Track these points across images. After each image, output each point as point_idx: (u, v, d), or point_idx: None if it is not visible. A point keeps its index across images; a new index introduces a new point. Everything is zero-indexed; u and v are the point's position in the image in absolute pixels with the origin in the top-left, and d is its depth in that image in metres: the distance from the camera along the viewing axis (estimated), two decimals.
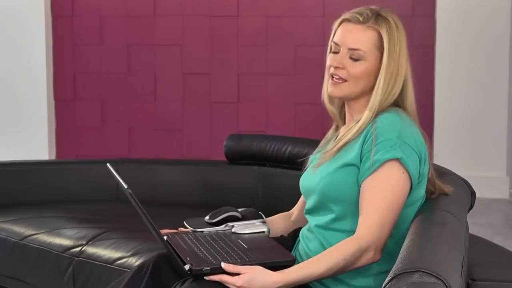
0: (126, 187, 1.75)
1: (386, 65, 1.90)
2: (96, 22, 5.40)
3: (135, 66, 5.41)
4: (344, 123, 2.05)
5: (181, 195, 3.20)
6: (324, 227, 1.93)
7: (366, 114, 1.90)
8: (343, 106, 2.05)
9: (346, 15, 1.95)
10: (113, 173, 1.92)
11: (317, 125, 5.18)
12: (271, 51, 5.29)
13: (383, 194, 1.81)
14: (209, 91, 5.37)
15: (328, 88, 1.98)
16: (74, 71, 5.46)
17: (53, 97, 5.48)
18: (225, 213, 2.12)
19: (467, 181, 2.26)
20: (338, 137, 2.00)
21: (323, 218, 1.93)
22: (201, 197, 3.18)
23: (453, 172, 2.29)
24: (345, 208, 1.88)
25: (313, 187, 1.95)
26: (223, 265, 1.79)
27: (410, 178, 1.84)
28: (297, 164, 2.92)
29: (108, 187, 3.19)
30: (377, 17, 1.92)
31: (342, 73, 1.93)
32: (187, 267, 1.78)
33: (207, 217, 2.13)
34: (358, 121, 1.93)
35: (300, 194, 2.16)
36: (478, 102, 5.10)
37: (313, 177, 1.97)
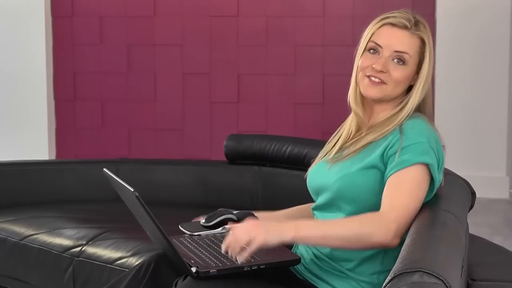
0: (132, 190, 1.74)
1: (427, 71, 1.94)
2: (96, 22, 5.40)
3: (135, 66, 5.41)
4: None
5: (181, 195, 3.20)
6: None
7: (399, 117, 1.92)
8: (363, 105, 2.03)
9: (390, 19, 1.95)
10: (113, 177, 1.91)
11: (317, 125, 5.18)
12: (271, 51, 5.29)
13: (411, 186, 1.81)
14: (209, 91, 5.37)
15: (362, 88, 1.97)
16: (74, 71, 5.46)
17: (53, 97, 5.48)
18: (220, 216, 2.11)
19: (467, 181, 2.27)
20: (358, 137, 1.99)
21: (332, 217, 1.93)
22: (201, 197, 3.18)
23: (453, 172, 2.29)
24: (356, 209, 1.88)
25: (328, 184, 1.94)
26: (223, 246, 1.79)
27: (433, 183, 1.86)
28: (297, 164, 2.92)
29: (108, 187, 3.18)
30: (417, 23, 1.95)
31: (384, 77, 1.93)
32: (193, 269, 1.78)
33: (203, 221, 2.12)
34: (384, 122, 1.94)
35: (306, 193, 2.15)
36: (478, 102, 5.10)
37: (327, 174, 1.96)
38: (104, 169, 2.01)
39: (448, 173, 2.23)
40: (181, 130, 5.42)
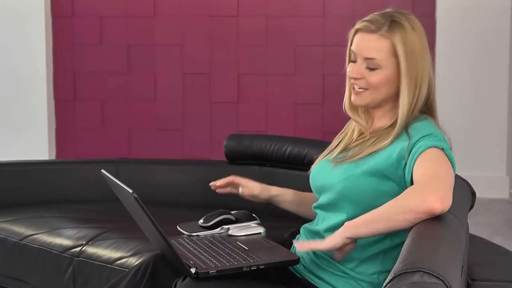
0: (131, 191, 1.74)
1: (406, 71, 1.88)
2: (96, 22, 5.40)
3: (135, 66, 5.41)
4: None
5: (181, 195, 3.20)
6: (333, 226, 1.92)
7: (399, 123, 1.90)
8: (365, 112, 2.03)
9: (359, 25, 1.94)
10: (111, 179, 1.91)
11: (317, 125, 5.18)
12: (271, 51, 5.29)
13: (432, 159, 1.77)
14: (209, 91, 5.37)
15: (351, 97, 1.99)
16: (74, 71, 5.46)
17: (53, 97, 5.48)
18: (219, 216, 2.11)
19: (467, 181, 2.26)
20: (362, 139, 1.98)
21: (333, 216, 1.93)
22: (201, 197, 3.18)
23: None
24: (358, 210, 1.87)
25: (332, 184, 1.94)
26: (296, 244, 1.85)
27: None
28: (297, 164, 2.92)
29: (108, 187, 3.18)
30: (391, 23, 1.90)
31: (361, 83, 1.93)
32: (193, 270, 1.78)
33: (201, 221, 2.12)
34: (387, 131, 1.92)
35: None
36: (478, 102, 5.10)
37: (331, 174, 1.96)
38: (102, 170, 2.01)
39: None
40: (181, 130, 5.42)
